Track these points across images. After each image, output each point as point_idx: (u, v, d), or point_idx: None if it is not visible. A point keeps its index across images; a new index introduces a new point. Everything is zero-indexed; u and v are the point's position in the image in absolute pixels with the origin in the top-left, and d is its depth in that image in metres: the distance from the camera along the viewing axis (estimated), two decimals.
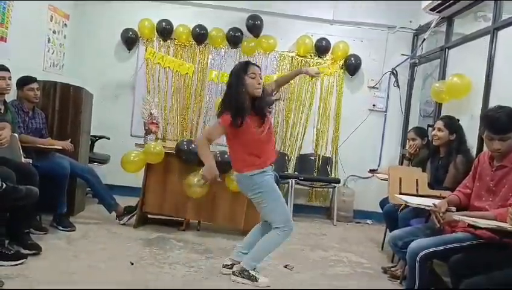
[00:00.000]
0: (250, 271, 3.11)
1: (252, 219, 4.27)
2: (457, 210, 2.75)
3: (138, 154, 4.29)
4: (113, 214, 4.34)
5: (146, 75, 5.85)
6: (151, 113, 4.52)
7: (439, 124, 3.68)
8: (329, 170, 5.85)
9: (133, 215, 4.31)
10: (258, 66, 3.08)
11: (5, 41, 4.16)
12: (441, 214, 2.66)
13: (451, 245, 2.56)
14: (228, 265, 3.24)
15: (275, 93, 3.40)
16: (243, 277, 3.10)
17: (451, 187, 3.41)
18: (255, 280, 3.10)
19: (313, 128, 5.92)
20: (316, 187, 5.83)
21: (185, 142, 4.14)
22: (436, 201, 2.82)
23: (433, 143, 3.74)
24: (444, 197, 2.98)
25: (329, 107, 5.90)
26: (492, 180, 2.67)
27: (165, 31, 5.73)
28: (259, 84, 3.00)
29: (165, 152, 4.22)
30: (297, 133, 5.92)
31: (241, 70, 3.01)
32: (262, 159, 3.05)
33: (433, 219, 2.64)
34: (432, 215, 2.65)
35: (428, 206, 2.91)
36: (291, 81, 5.77)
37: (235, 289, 3.07)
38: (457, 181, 3.39)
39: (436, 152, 3.77)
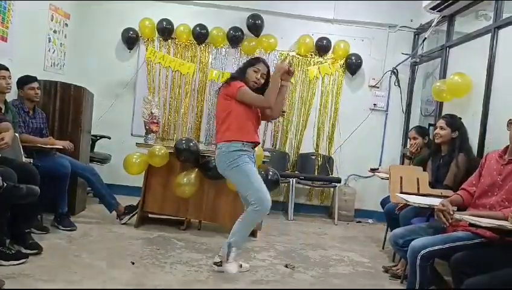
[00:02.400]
0: (232, 249, 3.17)
1: None
2: (459, 210, 2.75)
3: (140, 156, 4.29)
4: (114, 213, 4.34)
5: (147, 74, 5.85)
6: (151, 113, 4.52)
7: (442, 122, 3.68)
8: (330, 169, 5.85)
9: (134, 214, 4.31)
10: (267, 66, 3.31)
11: (6, 41, 4.16)
12: (448, 213, 2.60)
13: (453, 244, 2.56)
14: (218, 262, 3.28)
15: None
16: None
17: (452, 186, 3.42)
18: (226, 260, 3.16)
19: (313, 128, 5.92)
20: (316, 186, 5.83)
21: (183, 141, 4.12)
22: (438, 200, 2.81)
23: (436, 141, 3.73)
24: (445, 196, 2.97)
25: (330, 106, 5.90)
26: (501, 174, 2.67)
27: (165, 30, 5.73)
28: (257, 79, 3.25)
29: None
30: (298, 132, 5.91)
31: (250, 62, 3.34)
32: (239, 133, 3.20)
33: (441, 218, 2.60)
34: (440, 215, 2.61)
35: (428, 205, 2.91)
36: (292, 80, 5.78)
37: (235, 289, 3.07)
38: (458, 180, 3.40)
39: (437, 151, 3.77)
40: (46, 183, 3.49)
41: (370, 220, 5.74)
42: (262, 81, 3.28)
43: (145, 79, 5.86)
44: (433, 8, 4.65)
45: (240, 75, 3.29)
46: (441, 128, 3.66)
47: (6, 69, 3.66)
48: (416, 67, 5.72)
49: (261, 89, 3.27)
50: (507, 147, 2.73)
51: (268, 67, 3.33)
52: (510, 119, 2.75)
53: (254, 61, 3.32)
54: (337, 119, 5.90)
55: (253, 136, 3.27)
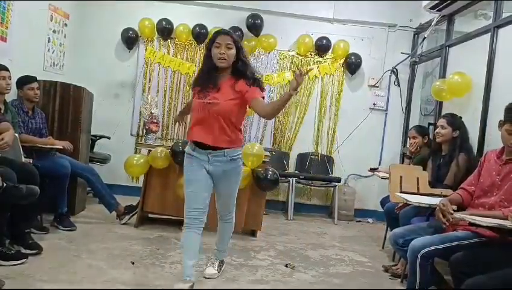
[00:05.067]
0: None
1: (252, 218, 4.28)
2: (458, 209, 2.75)
3: (141, 157, 4.29)
4: (114, 213, 4.34)
5: (146, 74, 5.85)
6: (151, 113, 4.52)
7: (442, 121, 3.69)
8: (329, 168, 5.85)
9: (134, 214, 4.31)
10: (229, 35, 2.77)
11: (5, 41, 4.15)
12: (449, 213, 2.59)
13: (452, 243, 2.56)
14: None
15: None
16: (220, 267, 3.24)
17: (452, 185, 3.42)
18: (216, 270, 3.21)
19: (313, 127, 5.92)
20: (316, 186, 5.83)
21: (180, 144, 4.11)
22: (438, 200, 2.81)
23: (436, 140, 3.73)
24: (445, 196, 2.97)
25: (330, 105, 5.90)
26: (499, 175, 2.66)
27: (165, 30, 5.72)
28: (222, 54, 2.72)
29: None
30: (298, 132, 5.91)
31: (210, 40, 2.82)
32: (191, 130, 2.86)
33: (440, 218, 2.60)
34: (439, 214, 2.60)
35: (428, 204, 2.91)
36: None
37: (235, 288, 3.06)
38: (458, 179, 3.39)
39: (438, 150, 3.77)
40: (45, 184, 3.51)
41: (370, 220, 5.74)
42: (232, 52, 2.74)
43: (144, 79, 5.85)
44: (432, 8, 4.65)
45: (207, 62, 2.82)
46: (442, 127, 3.66)
47: (6, 69, 3.66)
48: (416, 66, 5.72)
49: (238, 66, 2.78)
50: (504, 147, 2.73)
51: (231, 35, 2.78)
52: (500, 120, 2.75)
53: (213, 37, 2.79)
54: (336, 119, 5.91)
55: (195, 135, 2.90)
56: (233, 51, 2.76)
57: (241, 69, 2.79)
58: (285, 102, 2.60)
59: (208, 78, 2.80)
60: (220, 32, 2.81)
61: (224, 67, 2.77)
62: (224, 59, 2.74)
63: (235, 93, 2.77)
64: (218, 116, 2.75)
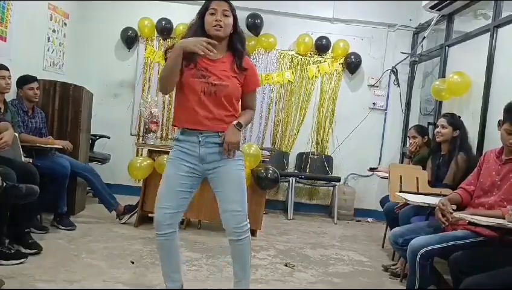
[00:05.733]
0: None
1: (252, 218, 4.26)
2: (457, 209, 2.75)
3: (144, 159, 4.29)
4: (114, 213, 4.35)
5: (146, 74, 5.85)
6: (151, 112, 4.52)
7: (443, 121, 3.68)
8: (329, 168, 5.85)
9: (134, 214, 4.31)
10: (226, 1, 2.37)
11: (5, 41, 4.15)
12: (448, 213, 2.58)
13: (452, 243, 2.56)
14: None
15: None
16: None
17: (452, 184, 3.42)
18: None
19: (313, 127, 5.92)
20: (316, 185, 5.84)
21: None
22: (437, 199, 2.81)
23: (436, 140, 3.73)
24: (444, 195, 2.97)
25: (330, 105, 5.90)
26: (499, 175, 2.66)
27: (164, 29, 5.72)
28: (218, 21, 2.32)
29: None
30: (298, 131, 5.92)
31: (203, 7, 2.43)
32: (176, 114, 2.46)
33: (439, 218, 2.59)
34: (439, 214, 2.60)
35: (428, 204, 2.91)
36: (292, 80, 5.80)
37: (235, 288, 3.06)
38: (457, 179, 3.40)
39: (437, 150, 3.77)
40: (45, 183, 3.50)
41: (369, 219, 5.74)
42: (230, 20, 2.36)
43: (144, 78, 5.85)
44: (432, 7, 4.65)
45: (197, 32, 2.38)
46: (443, 127, 3.66)
47: (6, 69, 3.67)
48: (416, 66, 5.72)
49: (234, 38, 2.42)
50: (503, 146, 2.73)
51: (227, 0, 2.39)
52: (500, 120, 2.75)
53: (206, 3, 2.40)
54: (336, 119, 5.91)
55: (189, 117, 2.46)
56: (231, 20, 2.37)
57: (238, 45, 2.41)
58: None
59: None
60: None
61: (221, 37, 2.34)
62: (221, 26, 2.32)
63: (236, 72, 2.39)
64: (222, 100, 2.34)
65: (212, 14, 2.34)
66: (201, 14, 2.40)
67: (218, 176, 2.41)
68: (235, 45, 2.41)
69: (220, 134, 2.36)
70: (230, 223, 2.41)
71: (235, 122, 2.37)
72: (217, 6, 2.34)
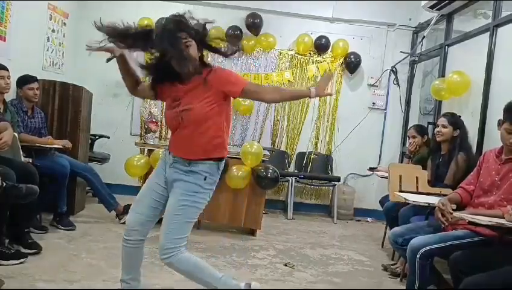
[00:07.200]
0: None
1: (252, 217, 4.28)
2: (457, 208, 2.75)
3: (141, 157, 4.29)
4: (113, 213, 4.34)
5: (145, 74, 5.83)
6: (150, 112, 4.52)
7: (443, 120, 3.68)
8: (329, 168, 5.85)
9: None
10: (182, 30, 2.27)
11: (4, 41, 4.15)
12: (448, 213, 2.58)
13: (452, 242, 2.56)
14: None
15: None
16: None
17: (452, 184, 3.42)
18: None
19: (312, 126, 5.92)
20: (316, 185, 5.84)
21: None
22: (437, 199, 2.81)
23: (437, 140, 3.73)
24: (444, 195, 2.97)
25: (329, 105, 5.90)
26: (499, 174, 2.66)
27: None
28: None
29: None
30: (297, 131, 5.92)
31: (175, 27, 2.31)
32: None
33: (439, 218, 2.59)
34: (438, 214, 2.60)
35: (427, 203, 2.91)
36: (291, 79, 5.81)
37: (235, 288, 3.06)
38: (457, 178, 3.40)
39: (437, 149, 3.77)
40: (45, 183, 3.51)
41: (369, 219, 5.74)
42: (193, 50, 2.28)
43: (144, 79, 5.84)
44: (431, 7, 4.65)
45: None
46: (443, 126, 3.65)
47: (6, 68, 3.66)
48: (415, 65, 5.72)
49: (203, 57, 2.37)
50: (503, 146, 2.73)
51: (182, 27, 2.30)
52: (500, 119, 2.75)
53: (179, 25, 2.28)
54: (336, 118, 5.91)
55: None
56: (194, 47, 2.26)
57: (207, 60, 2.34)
58: (299, 98, 2.40)
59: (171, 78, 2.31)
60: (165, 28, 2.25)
61: (191, 71, 2.25)
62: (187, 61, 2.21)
63: (208, 90, 2.26)
64: (190, 125, 2.26)
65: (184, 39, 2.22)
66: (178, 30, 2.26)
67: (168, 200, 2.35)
68: (202, 65, 2.33)
69: (187, 162, 2.29)
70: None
71: (313, 90, 2.33)
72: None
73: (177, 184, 2.30)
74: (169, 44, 2.18)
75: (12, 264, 2.94)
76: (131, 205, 4.26)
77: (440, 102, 4.82)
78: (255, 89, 2.37)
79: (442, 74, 4.77)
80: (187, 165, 2.29)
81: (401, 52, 5.74)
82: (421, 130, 4.41)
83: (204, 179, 2.30)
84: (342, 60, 5.83)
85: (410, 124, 5.33)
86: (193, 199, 2.29)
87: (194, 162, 2.28)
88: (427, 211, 3.12)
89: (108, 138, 5.59)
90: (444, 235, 2.66)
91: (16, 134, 3.36)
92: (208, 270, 2.36)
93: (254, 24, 5.66)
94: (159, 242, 2.31)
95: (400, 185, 3.50)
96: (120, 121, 5.80)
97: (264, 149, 4.44)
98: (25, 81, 3.98)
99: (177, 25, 2.26)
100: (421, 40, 5.42)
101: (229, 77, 2.32)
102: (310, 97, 2.34)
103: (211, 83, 2.26)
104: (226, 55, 2.42)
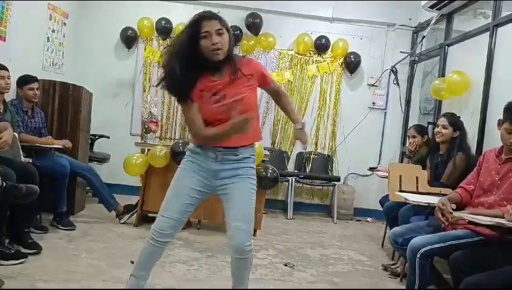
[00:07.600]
0: None
1: None
2: (457, 208, 2.75)
3: (140, 156, 4.29)
4: (113, 213, 4.34)
5: (146, 74, 5.84)
6: (150, 112, 4.51)
7: (444, 121, 3.68)
8: (329, 167, 5.85)
9: (133, 214, 4.31)
10: (214, 17, 2.25)
11: (4, 41, 4.15)
12: (448, 212, 2.58)
13: (452, 242, 2.56)
14: None
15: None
16: None
17: (447, 183, 3.43)
18: None
19: (312, 126, 5.92)
20: (316, 185, 5.84)
21: (180, 144, 4.11)
22: (437, 198, 2.81)
23: (437, 140, 3.73)
24: (444, 195, 2.97)
25: (329, 105, 5.90)
26: (499, 174, 2.67)
27: (164, 29, 5.72)
28: (215, 44, 2.15)
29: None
30: None
31: (192, 30, 2.23)
32: None
33: (439, 218, 2.59)
34: (438, 214, 2.60)
35: (427, 203, 2.91)
36: (291, 79, 5.81)
37: (235, 288, 3.06)
38: (452, 178, 3.41)
39: (436, 149, 3.77)
40: (45, 183, 3.51)
41: (369, 219, 5.74)
42: (226, 37, 2.20)
43: (143, 78, 5.85)
44: (431, 7, 4.66)
45: (188, 57, 2.18)
46: (443, 127, 3.65)
47: (6, 69, 3.67)
48: (415, 65, 5.72)
49: (231, 48, 2.27)
50: (503, 146, 2.73)
51: (217, 18, 2.27)
52: (500, 119, 2.75)
53: (194, 25, 2.22)
54: (336, 118, 5.91)
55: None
56: (227, 36, 2.21)
57: (235, 57, 2.30)
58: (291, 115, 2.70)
59: (200, 72, 2.22)
60: (203, 17, 2.21)
61: (222, 59, 2.19)
62: (220, 49, 2.16)
63: (247, 77, 2.27)
64: (245, 113, 2.12)
65: (206, 37, 2.16)
66: (190, 37, 2.19)
67: (230, 193, 2.33)
68: (232, 57, 2.28)
69: (235, 150, 2.29)
70: (234, 241, 2.30)
71: (299, 124, 2.57)
72: (209, 28, 2.17)
73: (235, 173, 2.30)
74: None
75: (12, 264, 2.94)
76: (131, 205, 4.34)
77: (440, 102, 4.82)
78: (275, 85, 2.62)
79: (442, 74, 4.77)
80: (237, 154, 2.30)
81: (401, 52, 5.74)
82: (421, 130, 4.41)
83: (253, 162, 2.39)
84: (341, 60, 5.83)
85: (410, 124, 5.33)
86: (255, 181, 2.37)
87: (241, 149, 2.31)
88: (427, 211, 3.12)
89: (108, 138, 5.59)
90: (444, 235, 2.66)
91: (16, 134, 3.36)
92: None
93: (254, 24, 5.66)
94: (235, 241, 2.29)
95: (400, 185, 3.50)
96: (120, 121, 5.80)
97: (264, 149, 4.44)
98: (25, 81, 3.98)
99: (210, 14, 2.28)
100: (421, 40, 5.42)
101: (260, 65, 2.52)
102: (294, 123, 2.65)
103: (250, 71, 2.29)
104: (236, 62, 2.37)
